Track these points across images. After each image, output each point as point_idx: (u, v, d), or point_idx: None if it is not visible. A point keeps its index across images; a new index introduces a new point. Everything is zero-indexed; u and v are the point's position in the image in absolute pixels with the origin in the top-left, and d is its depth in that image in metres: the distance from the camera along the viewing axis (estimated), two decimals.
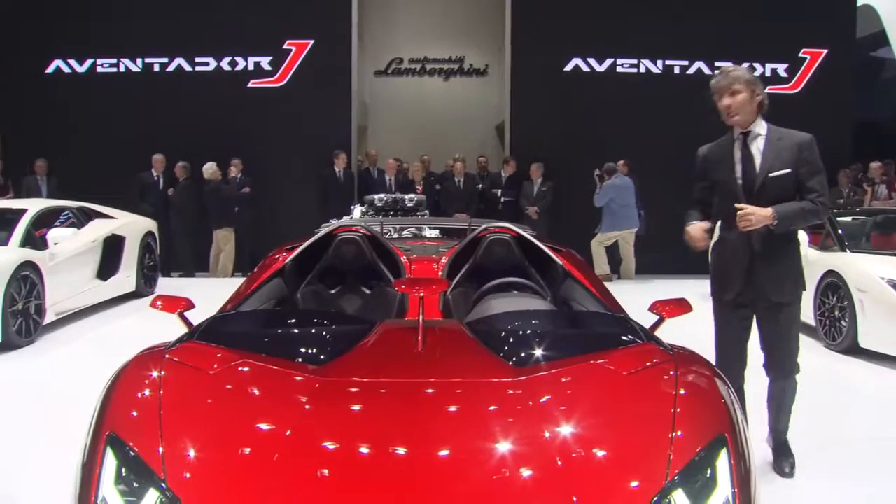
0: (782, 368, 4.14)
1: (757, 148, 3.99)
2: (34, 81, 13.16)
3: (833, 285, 7.34)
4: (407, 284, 3.71)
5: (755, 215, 3.82)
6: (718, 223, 4.20)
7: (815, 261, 7.75)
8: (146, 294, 9.88)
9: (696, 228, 4.06)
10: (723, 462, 2.34)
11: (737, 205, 3.86)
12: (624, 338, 3.16)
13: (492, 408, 2.55)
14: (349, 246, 4.77)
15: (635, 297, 5.49)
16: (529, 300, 4.34)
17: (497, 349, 2.97)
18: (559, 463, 2.28)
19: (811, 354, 7.30)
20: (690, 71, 13.24)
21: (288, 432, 2.40)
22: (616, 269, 12.23)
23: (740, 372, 4.18)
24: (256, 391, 2.71)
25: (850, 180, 12.63)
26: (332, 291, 4.86)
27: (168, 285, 10.60)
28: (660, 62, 13.30)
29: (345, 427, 2.48)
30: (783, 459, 4.29)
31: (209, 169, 12.17)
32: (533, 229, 5.73)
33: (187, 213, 12.33)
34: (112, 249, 9.32)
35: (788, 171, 3.93)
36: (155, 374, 2.67)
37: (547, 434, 2.39)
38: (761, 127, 4.02)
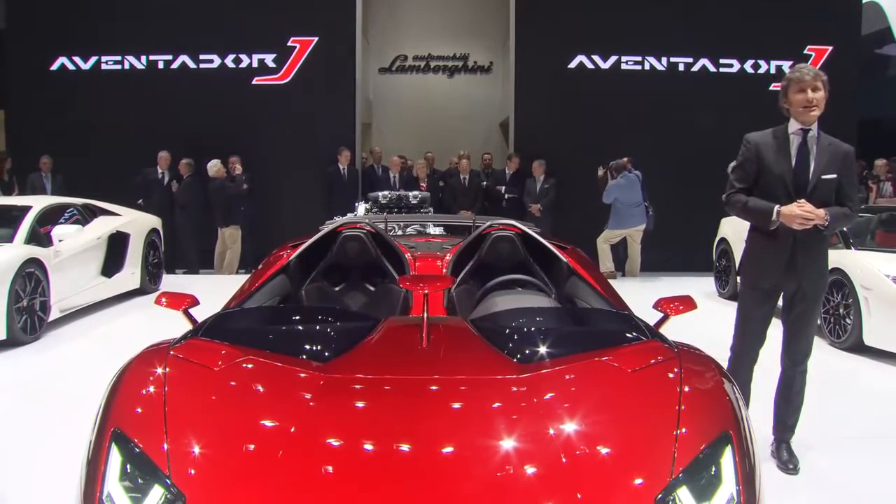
0: (797, 355, 4.27)
1: (812, 148, 4.11)
2: (39, 79, 13.16)
3: (838, 283, 7.33)
4: (411, 281, 3.70)
5: (814, 214, 3.95)
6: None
7: None
8: (150, 291, 9.89)
9: (793, 209, 3.97)
10: (727, 459, 2.34)
11: (801, 201, 3.98)
12: (628, 335, 3.16)
13: (496, 405, 2.56)
14: (353, 243, 4.77)
15: (640, 295, 5.48)
16: (534, 297, 4.34)
17: (501, 346, 2.98)
18: (564, 460, 2.28)
19: (816, 352, 7.25)
20: (695, 68, 13.21)
21: (292, 429, 2.40)
22: (621, 266, 12.22)
23: (753, 359, 4.32)
24: (261, 388, 2.72)
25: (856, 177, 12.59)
26: (337, 288, 4.87)
27: (172, 282, 10.61)
28: (664, 59, 13.27)
29: (349, 424, 2.48)
30: (788, 460, 4.30)
31: (213, 166, 12.15)
32: (537, 226, 5.73)
33: (191, 209, 12.33)
34: (117, 246, 9.33)
35: (835, 176, 4.08)
36: (159, 370, 2.68)
37: (551, 431, 2.39)
38: (815, 129, 4.14)
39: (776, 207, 4.02)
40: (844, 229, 7.75)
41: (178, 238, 12.35)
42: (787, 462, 4.29)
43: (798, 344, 4.26)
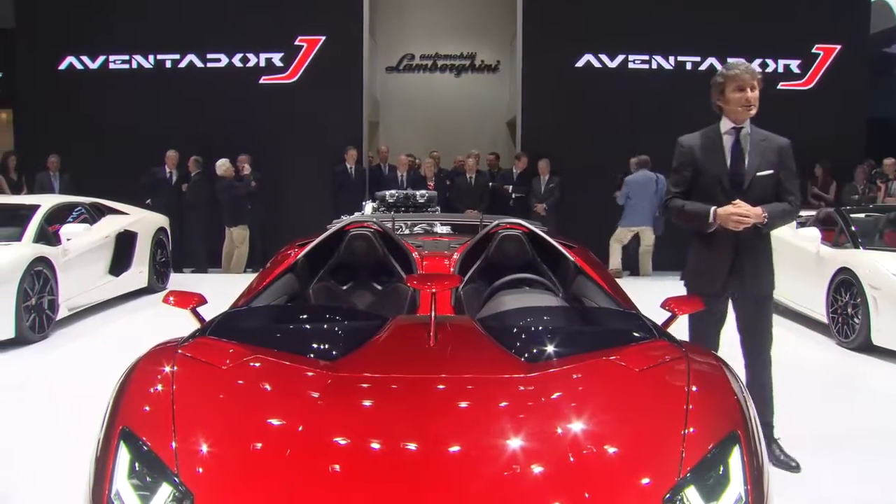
0: (758, 357, 4.21)
1: (746, 145, 4.09)
2: (47, 78, 13.22)
3: (846, 282, 7.31)
4: (419, 280, 3.70)
5: (751, 214, 3.93)
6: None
7: (827, 258, 7.72)
8: (158, 290, 9.92)
9: (728, 210, 3.97)
10: (735, 459, 2.34)
11: (737, 201, 3.97)
12: (636, 334, 3.16)
13: (503, 404, 2.55)
14: (361, 242, 4.77)
15: (648, 294, 5.47)
16: (541, 296, 4.33)
17: (509, 345, 2.97)
18: (571, 459, 2.28)
19: (823, 352, 7.28)
20: (702, 67, 13.17)
21: (300, 427, 2.41)
22: (628, 265, 12.21)
23: None
24: (268, 387, 2.72)
25: (866, 176, 12.56)
26: (344, 287, 4.86)
27: (180, 281, 10.62)
28: (671, 58, 13.25)
29: (356, 423, 2.48)
30: (788, 459, 4.26)
31: (222, 165, 12.13)
32: (543, 226, 5.72)
33: (200, 208, 12.35)
34: (124, 245, 9.36)
35: (772, 171, 4.07)
36: (168, 369, 2.68)
37: (559, 430, 2.39)
38: (748, 125, 4.13)
39: (712, 209, 4.00)
40: (853, 228, 7.75)
41: (187, 237, 12.37)
42: (789, 460, 4.21)
43: (757, 345, 4.20)
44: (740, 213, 3.92)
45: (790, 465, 4.22)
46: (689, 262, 4.29)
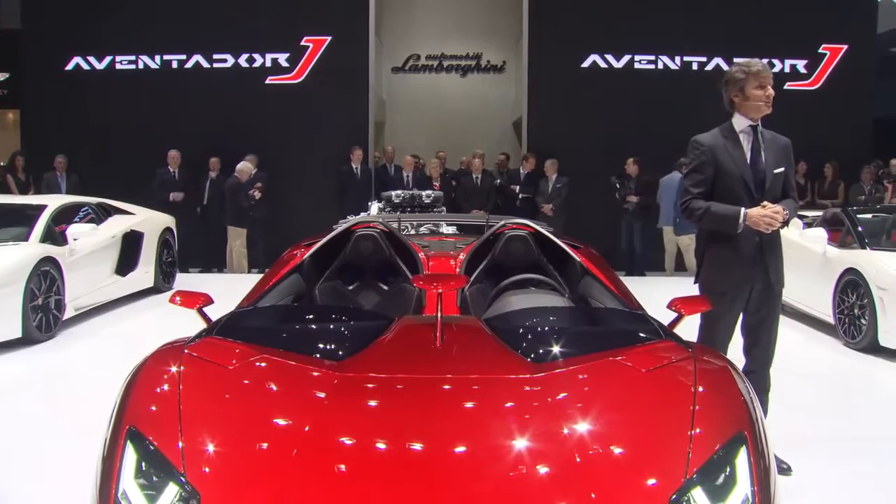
0: (767, 352, 4.16)
1: (762, 143, 4.07)
2: (54, 78, 13.27)
3: (853, 283, 7.28)
4: (425, 281, 3.70)
5: (779, 215, 3.89)
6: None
7: (834, 258, 7.70)
8: (164, 290, 9.92)
9: (760, 212, 3.90)
10: (742, 460, 2.33)
11: (765, 203, 3.93)
12: (642, 335, 3.15)
13: (509, 404, 2.55)
14: (367, 242, 4.77)
15: (655, 295, 5.46)
16: (547, 297, 4.33)
17: (515, 346, 2.97)
18: (577, 460, 2.28)
19: (830, 353, 7.26)
20: (709, 67, 13.16)
21: (306, 427, 2.41)
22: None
23: None
24: (275, 386, 2.73)
25: (873, 177, 12.53)
26: (350, 287, 4.87)
27: (186, 281, 10.62)
28: (678, 58, 13.25)
29: (362, 423, 2.48)
30: (780, 461, 4.22)
31: (243, 169, 12.03)
32: (550, 226, 5.72)
33: (217, 208, 12.37)
34: (131, 245, 9.36)
35: (783, 169, 4.09)
36: (174, 369, 2.69)
37: (565, 431, 2.39)
38: (759, 123, 4.11)
39: (742, 210, 3.92)
40: (860, 228, 7.74)
41: (204, 236, 12.35)
42: (780, 462, 4.14)
43: (767, 341, 4.14)
44: (772, 214, 3.87)
45: (781, 468, 4.18)
46: (708, 261, 4.19)
